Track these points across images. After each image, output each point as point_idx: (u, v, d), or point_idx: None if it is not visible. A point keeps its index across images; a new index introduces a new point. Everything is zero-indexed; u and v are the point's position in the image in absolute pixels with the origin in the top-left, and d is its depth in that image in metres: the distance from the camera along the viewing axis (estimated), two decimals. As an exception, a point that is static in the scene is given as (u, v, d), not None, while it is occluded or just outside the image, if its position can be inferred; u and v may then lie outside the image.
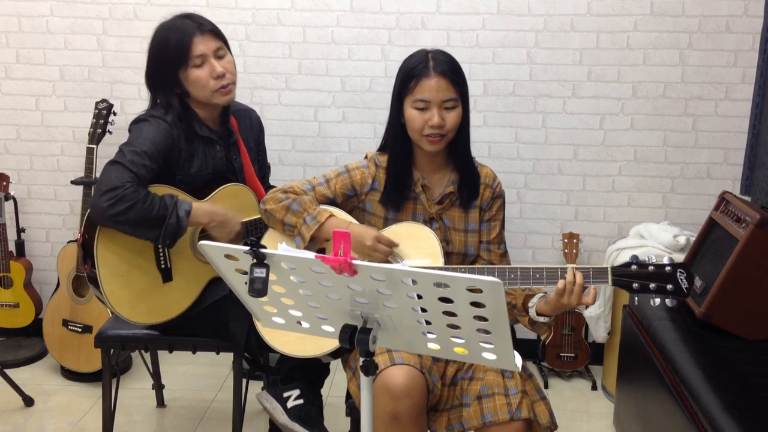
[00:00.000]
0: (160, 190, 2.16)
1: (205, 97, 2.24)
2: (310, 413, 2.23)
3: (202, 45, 2.19)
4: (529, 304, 1.91)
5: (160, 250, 2.21)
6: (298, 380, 2.26)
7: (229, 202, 2.29)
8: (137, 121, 2.21)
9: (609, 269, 1.77)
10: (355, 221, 2.05)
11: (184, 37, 2.17)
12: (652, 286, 1.74)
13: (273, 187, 2.57)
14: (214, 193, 2.26)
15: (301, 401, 2.22)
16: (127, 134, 2.21)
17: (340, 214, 2.05)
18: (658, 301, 1.75)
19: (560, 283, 1.77)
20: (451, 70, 1.94)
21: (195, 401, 3.05)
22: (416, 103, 1.93)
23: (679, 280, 1.73)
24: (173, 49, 2.18)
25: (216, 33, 2.24)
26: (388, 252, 1.95)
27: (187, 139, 2.23)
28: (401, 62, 2.02)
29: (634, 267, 1.76)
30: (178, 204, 2.12)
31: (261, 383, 2.85)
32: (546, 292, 1.89)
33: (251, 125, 2.51)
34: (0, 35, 3.31)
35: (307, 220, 1.97)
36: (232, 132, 2.38)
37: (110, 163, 2.10)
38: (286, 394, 2.24)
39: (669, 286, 1.73)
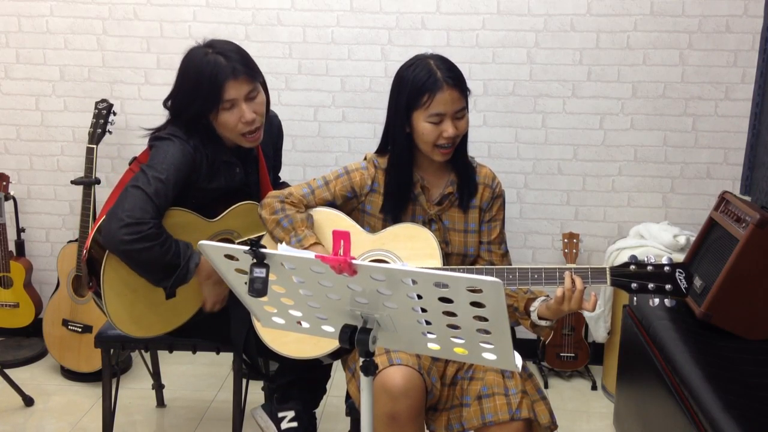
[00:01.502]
0: (173, 214, 2.12)
1: (231, 138, 2.19)
2: None
3: (234, 90, 2.09)
4: (531, 308, 1.91)
5: None
6: (295, 400, 2.25)
7: (240, 221, 2.27)
8: (159, 138, 2.13)
9: (607, 269, 1.77)
10: (356, 225, 2.06)
11: (217, 81, 2.08)
12: (650, 286, 1.74)
13: (283, 183, 2.57)
14: (226, 212, 2.23)
15: (295, 424, 2.21)
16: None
17: (339, 219, 2.06)
18: (657, 301, 1.75)
19: (558, 291, 1.77)
20: (460, 80, 1.94)
21: (195, 401, 3.05)
22: (431, 118, 1.92)
23: (678, 280, 1.73)
24: (206, 91, 2.09)
25: (250, 74, 2.13)
26: None
27: (208, 164, 2.17)
28: (399, 68, 1.99)
29: (632, 267, 1.76)
30: (191, 256, 2.09)
31: (261, 383, 2.85)
32: (548, 296, 1.90)
33: (271, 132, 2.45)
34: (0, 35, 3.31)
35: (292, 241, 1.98)
36: (252, 148, 2.33)
37: (134, 187, 2.02)
38: (281, 415, 2.23)
39: (668, 286, 1.73)
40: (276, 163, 2.56)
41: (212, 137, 2.18)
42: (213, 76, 2.08)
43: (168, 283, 2.08)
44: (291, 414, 2.23)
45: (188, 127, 2.14)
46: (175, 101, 2.18)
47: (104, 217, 2.06)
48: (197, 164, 2.13)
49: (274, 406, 2.25)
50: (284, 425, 2.22)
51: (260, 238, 2.17)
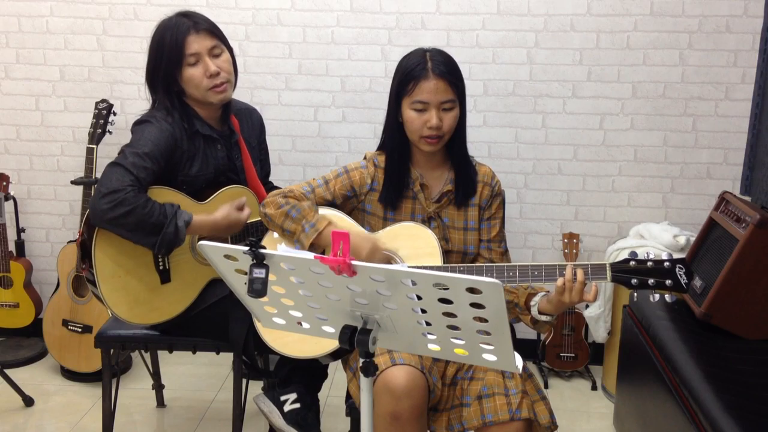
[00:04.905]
0: (161, 192, 2.15)
1: (199, 96, 2.24)
2: (307, 418, 2.22)
3: (196, 44, 2.19)
4: (531, 303, 1.91)
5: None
6: (296, 383, 2.26)
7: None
8: (139, 122, 2.21)
9: (608, 265, 1.77)
10: (356, 224, 2.05)
11: (178, 36, 2.18)
12: (650, 281, 1.74)
13: (275, 187, 2.58)
14: (215, 195, 2.26)
15: (297, 405, 2.21)
16: (127, 134, 2.21)
17: (339, 219, 2.06)
18: (657, 296, 1.75)
19: (559, 281, 1.77)
20: (449, 72, 1.94)
21: (195, 401, 3.05)
22: (414, 105, 1.93)
23: (678, 275, 1.73)
24: (169, 49, 2.19)
25: (211, 31, 2.24)
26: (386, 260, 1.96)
27: (188, 139, 2.23)
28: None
29: (632, 263, 1.76)
30: (178, 214, 2.10)
31: (261, 383, 2.85)
32: (548, 291, 1.90)
33: (252, 124, 2.50)
34: (0, 35, 3.31)
35: (306, 228, 1.96)
36: (234, 132, 2.38)
37: (111, 164, 2.09)
38: (283, 398, 2.23)
39: (668, 282, 1.73)
40: (263, 157, 2.58)
41: (190, 113, 2.26)
42: (174, 31, 2.19)
43: (162, 246, 2.10)
44: (293, 396, 2.23)
45: (166, 106, 2.22)
46: (147, 70, 2.26)
47: None
48: (177, 140, 2.19)
49: (276, 391, 2.26)
50: (287, 407, 2.21)
51: (257, 224, 2.20)
